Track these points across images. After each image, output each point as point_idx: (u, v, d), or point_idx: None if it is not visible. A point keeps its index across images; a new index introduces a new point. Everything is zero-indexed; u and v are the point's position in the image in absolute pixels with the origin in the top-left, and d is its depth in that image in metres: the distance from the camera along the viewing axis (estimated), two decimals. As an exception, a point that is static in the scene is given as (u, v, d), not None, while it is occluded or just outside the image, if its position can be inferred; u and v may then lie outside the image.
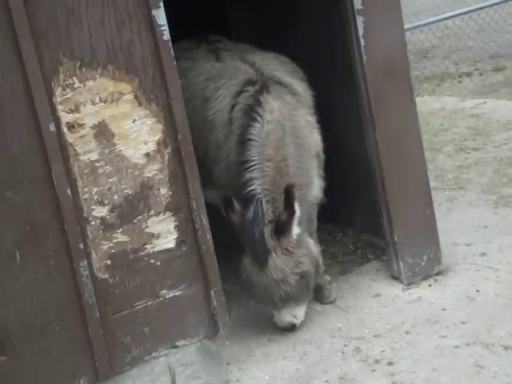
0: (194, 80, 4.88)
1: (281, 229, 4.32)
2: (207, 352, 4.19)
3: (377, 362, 4.14)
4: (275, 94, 4.56)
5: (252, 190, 4.34)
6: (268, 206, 4.33)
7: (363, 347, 4.28)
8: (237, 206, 4.37)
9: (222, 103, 4.70)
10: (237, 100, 4.62)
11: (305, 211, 4.56)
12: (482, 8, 10.56)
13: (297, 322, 4.51)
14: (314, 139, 4.66)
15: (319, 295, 4.82)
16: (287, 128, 4.49)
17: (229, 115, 4.65)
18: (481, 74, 9.81)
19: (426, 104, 8.61)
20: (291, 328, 4.51)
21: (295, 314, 4.49)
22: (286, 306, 4.44)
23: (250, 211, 4.30)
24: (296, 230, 4.36)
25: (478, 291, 4.60)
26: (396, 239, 4.74)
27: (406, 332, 4.35)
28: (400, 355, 4.15)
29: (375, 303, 4.70)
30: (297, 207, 4.30)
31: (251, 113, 4.50)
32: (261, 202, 4.31)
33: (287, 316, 4.48)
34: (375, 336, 4.37)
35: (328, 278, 4.88)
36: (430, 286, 4.77)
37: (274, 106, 4.50)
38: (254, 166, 4.39)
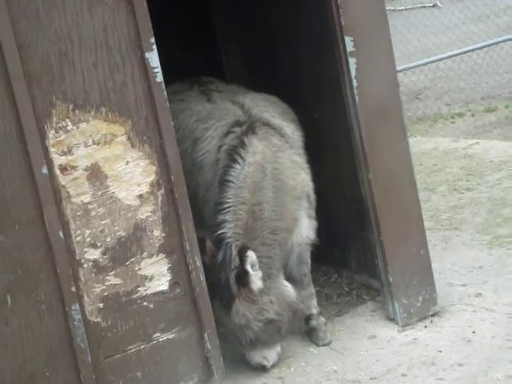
0: (185, 121, 4.91)
1: (241, 279, 4.31)
2: (201, 396, 4.13)
3: (373, 405, 4.09)
4: (261, 136, 4.58)
5: (223, 232, 4.33)
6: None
7: (359, 390, 4.23)
8: (209, 247, 4.35)
9: (210, 144, 4.72)
10: (224, 141, 4.64)
11: (285, 254, 4.57)
12: (473, 50, 10.67)
13: (267, 363, 4.49)
14: (300, 180, 4.66)
15: (314, 337, 4.78)
16: (268, 171, 4.50)
17: (216, 156, 4.66)
18: (473, 115, 9.87)
19: (419, 144, 8.64)
20: (262, 368, 4.49)
21: (265, 355, 4.48)
22: (254, 349, 4.44)
23: (219, 254, 4.30)
24: (257, 283, 4.31)
25: (474, 333, 4.56)
26: (391, 280, 4.71)
27: (403, 374, 4.30)
28: (397, 398, 4.10)
29: (371, 345, 4.65)
30: (249, 267, 4.24)
31: (233, 154, 4.52)
32: (230, 246, 4.29)
33: (256, 357, 4.47)
34: (371, 379, 4.32)
35: (323, 319, 4.83)
36: (425, 327, 4.73)
37: (257, 148, 4.51)
38: (227, 208, 4.39)
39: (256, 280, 4.30)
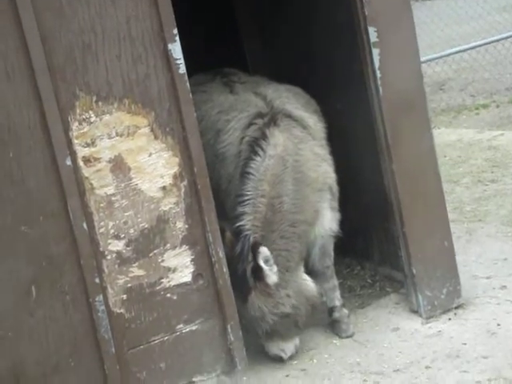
0: (208, 113, 4.90)
1: (257, 273, 4.30)
2: (224, 388, 4.14)
3: (397, 397, 4.07)
4: (283, 128, 4.56)
5: (241, 225, 4.33)
6: None
7: (383, 382, 4.21)
8: (229, 238, 4.34)
9: (233, 136, 4.71)
10: (246, 132, 4.63)
11: (306, 247, 4.56)
12: (497, 40, 10.56)
13: (284, 355, 4.48)
14: (322, 172, 4.63)
15: (337, 329, 4.77)
16: (289, 163, 4.48)
17: (238, 148, 4.65)
18: (497, 106, 9.77)
19: (443, 136, 8.58)
20: (279, 360, 4.49)
21: (282, 347, 4.47)
22: (271, 341, 4.44)
23: (237, 246, 4.29)
24: (272, 278, 4.30)
25: (498, 325, 4.52)
26: (414, 272, 4.69)
27: (427, 367, 4.28)
28: (421, 391, 4.08)
29: (394, 337, 4.63)
30: (262, 263, 4.23)
31: (255, 146, 4.50)
32: (248, 238, 4.28)
33: (274, 349, 4.47)
34: (395, 371, 4.30)
35: (346, 311, 4.82)
36: (449, 319, 4.70)
37: (278, 140, 4.49)
38: (247, 200, 4.37)
39: (271, 274, 4.29)
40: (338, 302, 4.80)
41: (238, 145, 4.67)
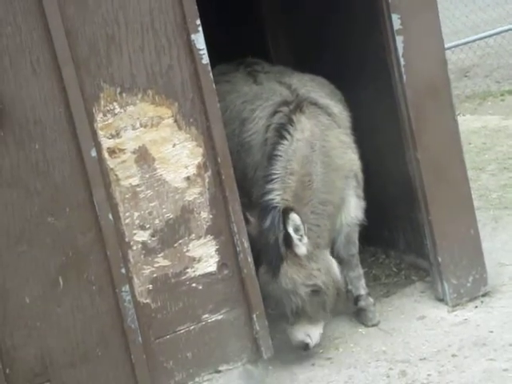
0: (232, 103, 4.91)
1: (288, 241, 4.28)
2: (250, 377, 4.16)
3: (423, 386, 4.07)
4: (309, 114, 4.56)
5: (271, 199, 4.31)
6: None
7: (409, 371, 4.21)
8: (250, 218, 4.34)
9: (258, 124, 4.72)
10: (271, 120, 4.63)
11: (332, 229, 4.56)
12: (523, 25, 10.46)
13: (310, 342, 4.38)
14: (348, 159, 4.63)
15: (363, 317, 4.77)
16: (317, 147, 4.47)
17: (264, 136, 4.66)
18: (523, 92, 9.69)
19: (468, 123, 8.51)
20: (305, 347, 4.40)
21: (309, 332, 4.38)
22: (299, 323, 4.35)
23: (267, 219, 4.26)
24: (301, 248, 4.28)
25: (526, 313, 4.50)
26: (440, 260, 4.67)
27: (453, 355, 4.27)
28: (447, 379, 4.07)
29: (420, 325, 4.62)
30: (291, 230, 4.21)
31: (282, 131, 4.50)
32: (278, 210, 4.27)
33: (300, 333, 4.37)
34: (421, 359, 4.29)
35: (371, 300, 4.82)
36: (476, 307, 4.68)
37: (305, 126, 4.49)
38: (276, 178, 4.37)
39: (300, 244, 4.26)
40: (363, 291, 4.81)
41: (263, 133, 4.67)
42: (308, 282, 4.30)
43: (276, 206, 4.28)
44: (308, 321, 4.38)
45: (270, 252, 4.27)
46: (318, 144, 4.49)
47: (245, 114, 4.81)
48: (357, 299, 4.82)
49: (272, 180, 4.37)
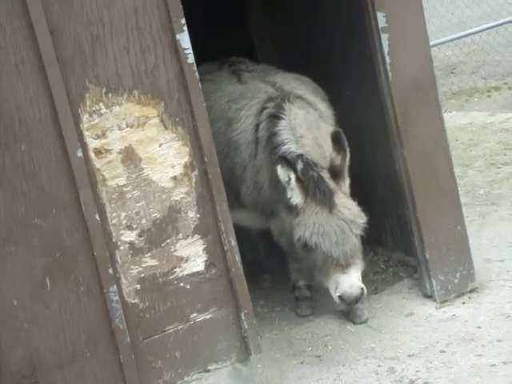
0: (217, 102, 4.91)
1: (336, 173, 4.28)
2: (239, 376, 4.16)
3: (412, 382, 4.07)
4: (298, 105, 4.58)
5: (291, 151, 4.30)
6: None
7: (397, 367, 4.22)
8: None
9: (246, 123, 4.73)
10: (260, 118, 4.64)
11: None
12: (508, 22, 10.49)
13: (363, 286, 4.24)
14: None
15: (351, 315, 4.78)
16: (313, 130, 4.49)
17: (254, 135, 4.66)
18: (510, 88, 9.71)
19: (455, 120, 8.55)
20: (360, 295, 4.22)
21: (360, 278, 4.27)
22: (354, 265, 4.22)
23: (298, 164, 4.24)
24: (347, 182, 4.32)
25: (513, 308, 4.52)
26: (428, 257, 4.69)
27: (441, 351, 4.28)
28: (435, 375, 4.08)
29: (408, 322, 4.64)
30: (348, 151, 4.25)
31: (275, 117, 4.52)
32: (305, 157, 4.28)
33: (356, 280, 4.20)
34: (409, 356, 4.31)
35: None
36: (463, 303, 4.70)
37: (297, 112, 4.52)
38: (287, 142, 4.38)
39: (346, 177, 4.32)
40: None
41: (252, 132, 4.69)
42: (361, 214, 4.27)
43: (301, 154, 4.29)
44: (358, 265, 4.26)
45: (319, 187, 4.21)
46: (314, 128, 4.49)
47: (230, 113, 4.82)
48: None
49: (283, 144, 4.35)
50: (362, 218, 4.29)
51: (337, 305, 4.36)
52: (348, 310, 4.79)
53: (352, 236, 4.24)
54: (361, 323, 4.73)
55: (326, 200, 4.22)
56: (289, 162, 4.24)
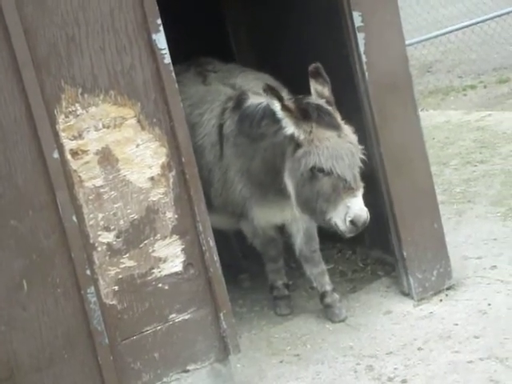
0: (182, 104, 4.91)
1: (328, 103, 4.30)
2: (218, 375, 4.16)
3: (390, 379, 4.10)
4: (258, 96, 4.59)
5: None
6: None
7: (376, 365, 4.24)
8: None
9: (209, 126, 4.76)
10: (223, 118, 4.66)
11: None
12: (483, 21, 10.58)
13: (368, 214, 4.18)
14: None
15: (330, 314, 4.80)
16: None
17: (217, 136, 4.69)
18: (485, 87, 9.80)
19: (431, 118, 8.60)
20: (367, 220, 4.15)
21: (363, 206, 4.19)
22: (360, 189, 4.17)
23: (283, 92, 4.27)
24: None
25: (489, 305, 4.56)
26: (405, 255, 4.72)
27: (419, 348, 4.31)
28: (413, 372, 4.11)
29: (387, 320, 4.66)
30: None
31: (238, 107, 4.56)
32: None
33: (362, 205, 4.14)
34: (387, 353, 4.33)
35: (337, 296, 4.85)
36: (441, 301, 4.73)
37: (259, 98, 4.50)
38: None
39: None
40: (328, 287, 4.85)
41: (216, 133, 4.72)
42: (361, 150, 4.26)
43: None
44: (361, 192, 4.20)
45: (324, 112, 4.20)
46: None
47: (193, 118, 4.82)
48: (323, 296, 4.85)
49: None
50: (359, 144, 4.26)
51: (345, 232, 4.21)
52: (326, 310, 4.80)
53: (358, 159, 4.20)
54: (339, 321, 4.76)
55: (334, 123, 4.21)
56: (273, 91, 4.18)
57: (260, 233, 4.85)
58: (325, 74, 4.33)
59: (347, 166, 4.15)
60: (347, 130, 4.26)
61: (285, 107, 4.19)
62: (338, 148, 4.16)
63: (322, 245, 5.26)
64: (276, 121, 4.23)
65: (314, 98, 4.31)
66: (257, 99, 4.55)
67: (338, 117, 4.30)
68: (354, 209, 4.11)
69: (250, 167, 4.57)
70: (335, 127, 4.21)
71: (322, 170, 4.13)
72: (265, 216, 4.75)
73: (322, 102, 4.31)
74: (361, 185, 4.19)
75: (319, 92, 4.34)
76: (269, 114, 4.29)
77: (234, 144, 4.62)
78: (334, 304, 4.80)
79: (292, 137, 4.21)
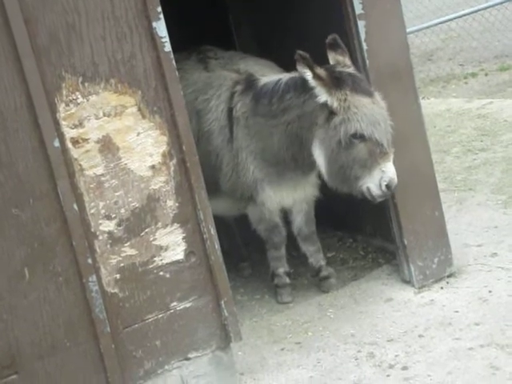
0: (183, 91, 4.91)
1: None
2: (220, 363, 4.17)
3: (391, 366, 4.11)
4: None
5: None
6: None
7: (377, 352, 4.26)
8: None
9: (217, 112, 4.76)
10: (232, 102, 4.67)
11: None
12: (485, 8, 10.54)
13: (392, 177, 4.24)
14: None
15: (327, 285, 5.05)
16: None
17: (226, 120, 4.70)
18: (486, 75, 9.78)
19: (432, 106, 8.59)
20: (396, 184, 4.24)
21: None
22: (392, 154, 4.25)
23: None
24: None
25: (490, 292, 4.57)
26: (406, 243, 4.72)
27: (420, 336, 4.33)
28: (414, 359, 4.12)
29: (387, 308, 4.68)
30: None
31: (249, 88, 4.60)
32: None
33: (394, 169, 4.23)
34: (388, 341, 4.34)
35: (331, 269, 5.11)
36: (441, 288, 4.74)
37: (270, 76, 4.58)
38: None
39: None
40: (323, 262, 5.07)
41: (226, 118, 4.71)
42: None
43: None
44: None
45: (358, 79, 4.27)
46: None
47: (198, 104, 4.82)
48: (319, 270, 5.05)
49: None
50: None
51: (378, 196, 4.29)
52: (323, 282, 5.03)
53: (389, 125, 4.26)
54: (337, 290, 4.96)
55: (368, 90, 4.26)
56: (305, 59, 4.20)
57: (266, 217, 4.87)
58: (343, 44, 4.37)
59: (384, 131, 4.21)
60: (378, 96, 4.30)
61: (317, 75, 4.20)
62: (375, 114, 4.22)
63: (323, 233, 5.30)
64: (305, 91, 4.26)
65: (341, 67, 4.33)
66: (269, 78, 4.57)
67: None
68: (389, 173, 4.21)
69: (266, 146, 4.60)
70: (369, 94, 4.25)
71: (362, 136, 4.16)
72: (276, 197, 4.79)
73: (351, 69, 4.33)
74: (393, 150, 4.25)
75: (341, 62, 4.37)
76: (294, 86, 4.33)
77: (246, 126, 4.64)
78: (331, 275, 5.03)
79: (325, 105, 4.23)
